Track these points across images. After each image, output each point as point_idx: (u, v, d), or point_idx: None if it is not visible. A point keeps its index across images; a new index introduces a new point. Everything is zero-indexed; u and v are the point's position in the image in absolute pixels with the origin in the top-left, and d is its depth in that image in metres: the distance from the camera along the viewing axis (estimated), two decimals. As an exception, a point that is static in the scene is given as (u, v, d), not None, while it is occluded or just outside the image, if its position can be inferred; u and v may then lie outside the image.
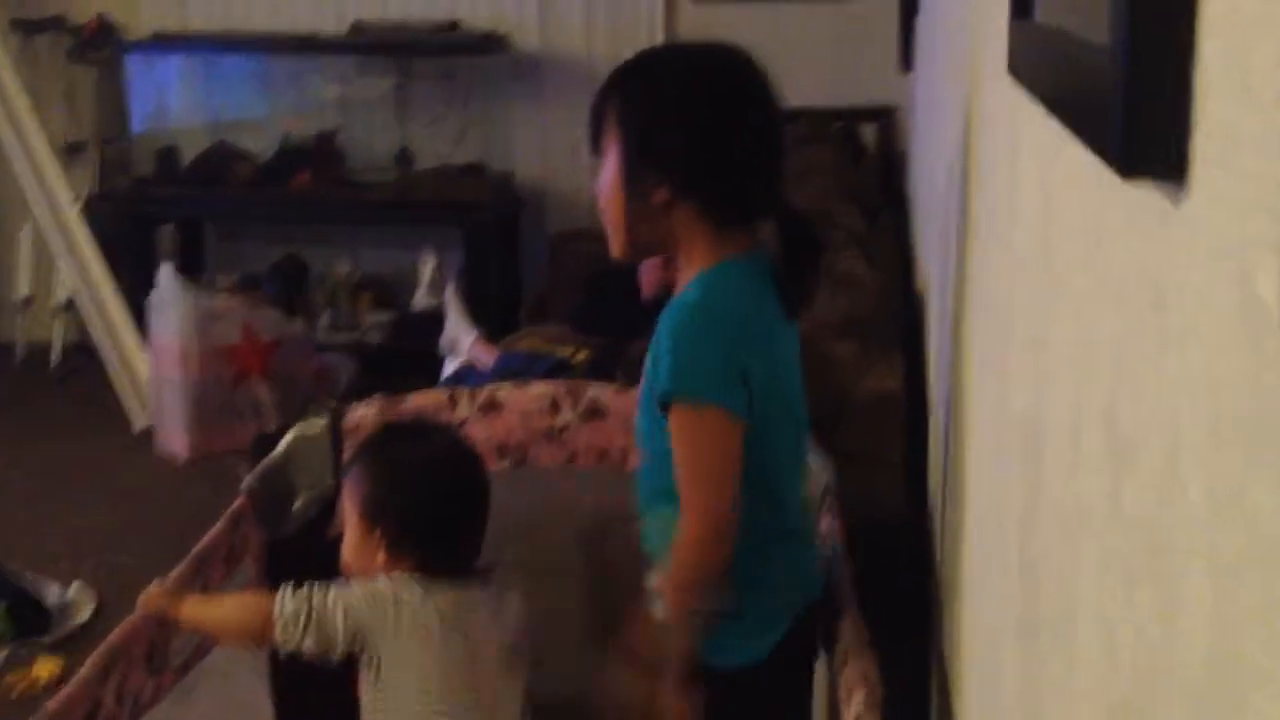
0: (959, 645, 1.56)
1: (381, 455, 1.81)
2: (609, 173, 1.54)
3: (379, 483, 1.77)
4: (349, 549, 1.80)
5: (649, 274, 2.87)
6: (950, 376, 1.79)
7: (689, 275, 1.54)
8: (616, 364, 2.83)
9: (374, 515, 1.76)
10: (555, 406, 2.10)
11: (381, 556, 1.76)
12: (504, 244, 4.82)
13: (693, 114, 1.52)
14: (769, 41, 4.60)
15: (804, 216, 1.59)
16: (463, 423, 2.11)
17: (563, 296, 4.08)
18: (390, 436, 1.87)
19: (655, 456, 1.56)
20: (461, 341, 3.49)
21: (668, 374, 1.48)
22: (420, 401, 2.14)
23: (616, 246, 1.59)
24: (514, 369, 3.14)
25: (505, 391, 2.13)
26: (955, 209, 1.77)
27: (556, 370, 3.09)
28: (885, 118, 4.64)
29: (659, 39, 4.70)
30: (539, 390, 2.12)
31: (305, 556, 2.07)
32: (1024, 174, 1.12)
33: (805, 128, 4.34)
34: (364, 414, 2.12)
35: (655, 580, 1.59)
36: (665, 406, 1.48)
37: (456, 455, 1.84)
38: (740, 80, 1.52)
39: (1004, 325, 1.22)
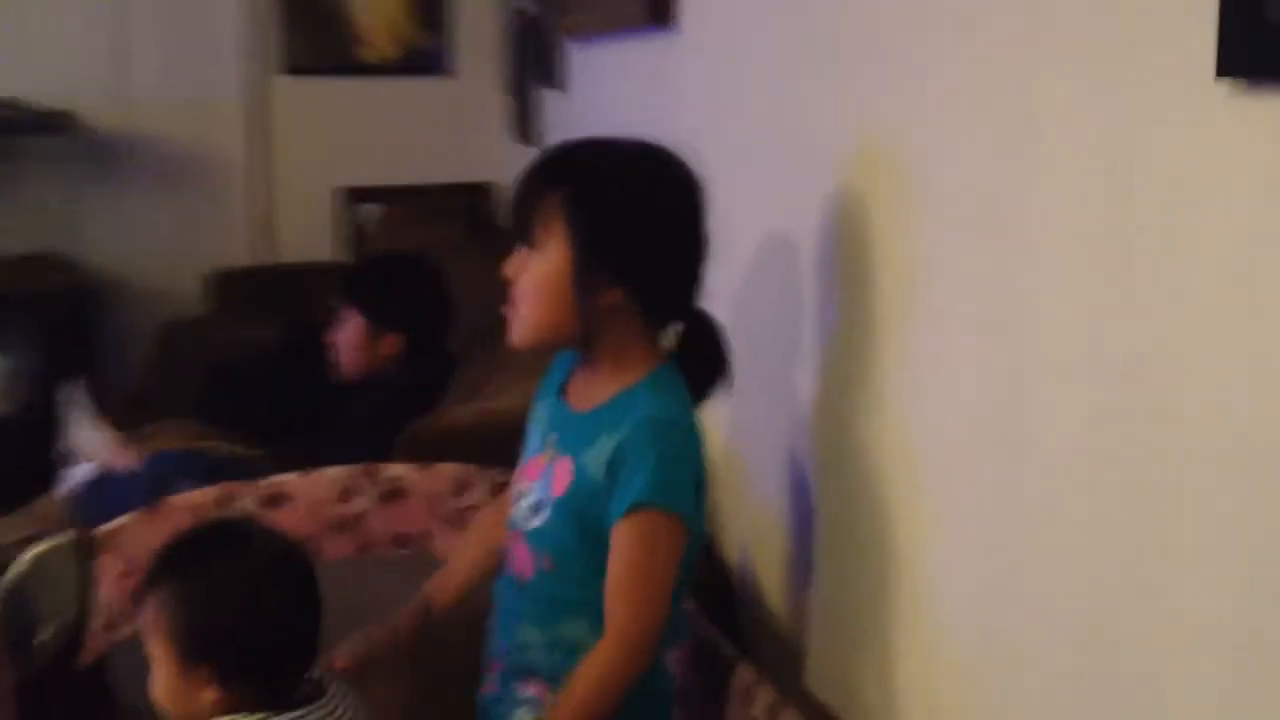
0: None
1: (196, 575, 1.51)
2: (547, 266, 1.45)
3: (200, 610, 1.48)
4: (164, 692, 1.51)
5: (354, 356, 2.70)
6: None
7: (617, 381, 1.48)
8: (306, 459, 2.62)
9: (197, 651, 1.47)
10: (347, 493, 1.90)
11: (210, 695, 1.48)
12: (82, 338, 4.38)
13: (659, 220, 1.47)
14: (367, 116, 4.54)
15: (711, 317, 1.54)
16: (360, 516, 1.88)
17: (178, 389, 3.76)
18: (199, 548, 1.54)
19: (564, 566, 1.47)
20: (98, 444, 3.11)
21: (648, 485, 1.40)
22: (191, 500, 1.88)
23: (527, 336, 1.49)
24: (172, 469, 2.84)
25: (292, 481, 1.91)
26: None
27: (227, 466, 2.82)
28: (485, 192, 4.62)
29: (246, 114, 4.46)
30: (331, 475, 1.92)
31: (62, 698, 1.77)
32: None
33: (426, 205, 4.25)
34: (123, 524, 1.84)
35: (534, 694, 1.48)
36: (623, 516, 1.39)
37: (285, 557, 1.56)
38: (693, 183, 1.47)
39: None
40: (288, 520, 1.89)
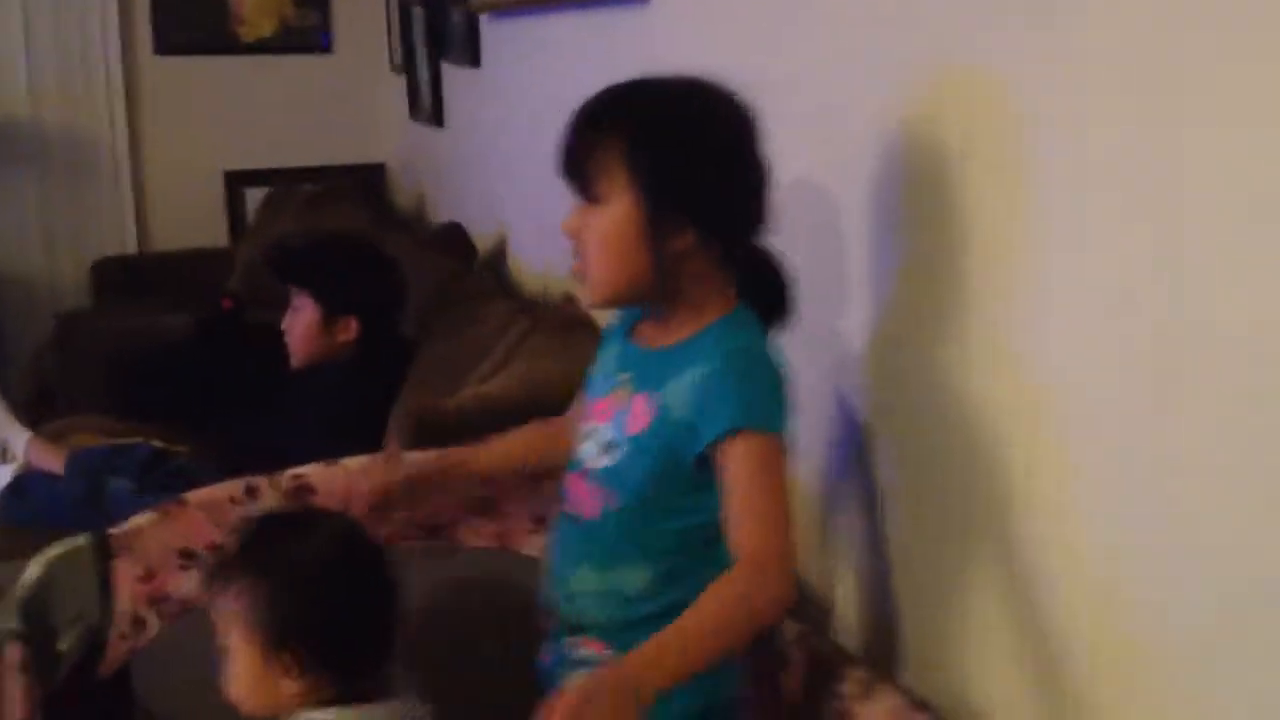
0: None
1: (280, 561, 1.48)
2: (614, 219, 1.39)
3: (286, 596, 1.45)
4: (243, 685, 1.47)
5: (308, 344, 2.62)
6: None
7: (694, 322, 1.43)
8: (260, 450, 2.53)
9: (282, 639, 1.44)
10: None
11: (293, 686, 1.45)
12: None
13: (722, 153, 1.41)
14: (249, 97, 4.39)
15: (773, 251, 1.51)
16: None
17: (78, 383, 3.60)
18: (272, 535, 1.52)
19: (632, 506, 1.42)
20: (13, 444, 2.96)
21: (744, 409, 1.35)
22: (209, 496, 1.80)
23: (605, 294, 1.43)
24: (101, 467, 2.73)
25: (315, 473, 1.84)
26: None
27: (158, 462, 2.72)
28: (380, 173, 4.53)
29: (120, 96, 4.28)
30: (355, 465, 1.86)
31: (84, 709, 1.69)
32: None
33: (320, 188, 4.14)
34: (140, 524, 1.76)
35: (591, 651, 1.45)
36: (725, 442, 1.35)
37: (357, 542, 1.54)
38: (748, 112, 1.43)
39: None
40: (315, 513, 1.83)
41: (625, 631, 1.42)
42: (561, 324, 2.37)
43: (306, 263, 2.68)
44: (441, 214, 3.99)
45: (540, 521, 1.82)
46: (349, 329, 2.61)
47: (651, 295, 1.43)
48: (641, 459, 1.42)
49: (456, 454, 1.73)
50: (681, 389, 1.39)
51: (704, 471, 1.39)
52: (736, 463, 1.35)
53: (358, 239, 2.91)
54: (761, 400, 1.36)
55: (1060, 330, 1.31)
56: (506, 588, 1.83)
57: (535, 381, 2.13)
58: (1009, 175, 1.36)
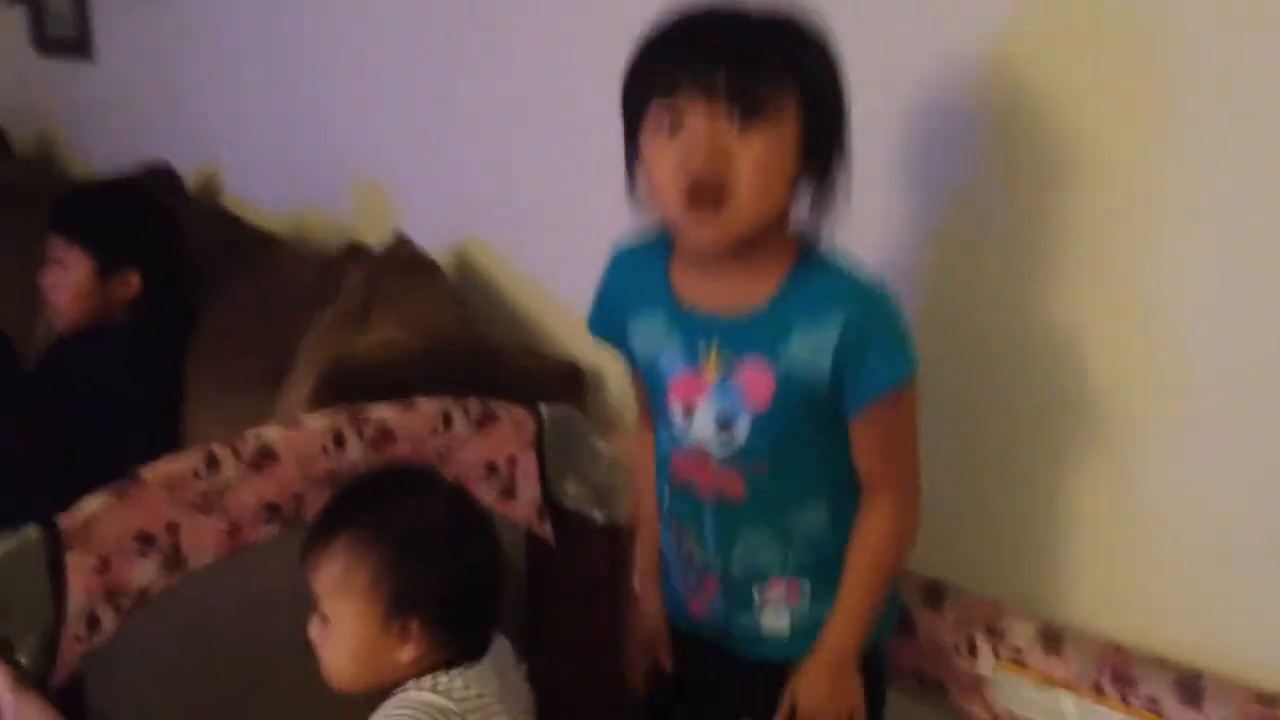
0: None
1: (394, 524, 1.37)
2: (782, 146, 1.26)
3: (407, 560, 1.35)
4: (353, 658, 1.36)
5: (81, 302, 2.32)
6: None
7: (767, 269, 1.35)
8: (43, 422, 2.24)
9: (408, 603, 1.34)
10: (340, 440, 1.69)
11: (410, 654, 1.36)
12: None
13: (845, 86, 1.32)
14: None
15: None
16: (226, 487, 1.62)
17: None
18: (384, 497, 1.41)
19: (787, 466, 1.38)
20: None
21: (891, 366, 1.32)
22: (169, 472, 1.59)
23: (743, 227, 1.28)
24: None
25: (273, 435, 1.65)
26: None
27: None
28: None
29: None
30: (319, 425, 1.69)
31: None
32: None
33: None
34: (92, 511, 1.52)
35: (780, 592, 1.44)
36: (867, 404, 1.33)
37: (466, 500, 1.48)
38: None
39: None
40: (278, 480, 1.64)
41: (816, 569, 1.42)
42: (407, 266, 2.24)
43: (67, 211, 2.37)
44: (83, 159, 3.61)
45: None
46: (129, 283, 2.34)
47: (767, 230, 1.31)
48: (779, 427, 1.36)
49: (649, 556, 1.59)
50: (807, 349, 1.32)
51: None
52: (876, 419, 1.34)
53: (124, 183, 2.60)
54: (904, 349, 1.33)
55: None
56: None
57: (427, 326, 2.02)
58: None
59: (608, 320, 1.49)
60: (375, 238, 2.38)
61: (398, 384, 1.88)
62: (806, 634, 1.44)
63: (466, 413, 1.78)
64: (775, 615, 1.44)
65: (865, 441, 1.37)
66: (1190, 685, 1.32)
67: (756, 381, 1.36)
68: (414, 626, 1.34)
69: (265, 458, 1.64)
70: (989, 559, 1.55)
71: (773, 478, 1.39)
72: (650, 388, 1.46)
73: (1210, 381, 1.36)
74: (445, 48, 2.33)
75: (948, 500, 1.49)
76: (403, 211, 2.49)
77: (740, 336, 1.36)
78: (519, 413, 1.83)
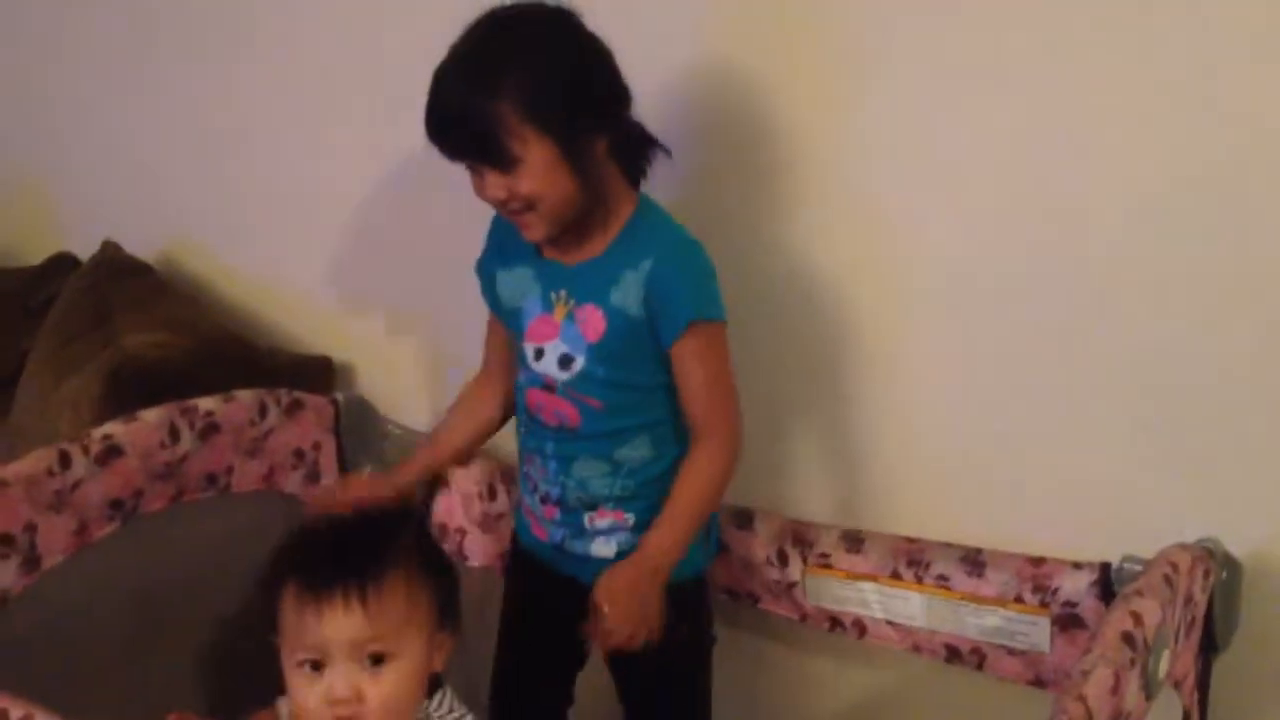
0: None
1: (423, 549, 1.49)
2: (540, 166, 1.49)
3: (440, 576, 1.48)
4: (419, 682, 1.43)
5: None
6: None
7: (609, 223, 1.58)
8: None
9: (450, 617, 1.47)
10: (175, 434, 1.73)
11: (440, 664, 1.47)
12: None
13: (586, 54, 1.52)
14: None
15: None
16: (76, 485, 1.63)
17: None
18: (386, 531, 1.47)
19: (614, 401, 1.60)
20: None
21: (696, 301, 1.56)
22: (25, 471, 1.58)
23: (553, 228, 1.55)
24: None
25: (118, 431, 1.67)
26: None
27: None
28: None
29: None
30: (155, 418, 1.72)
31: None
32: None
33: None
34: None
35: (612, 520, 1.64)
36: (684, 333, 1.55)
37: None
38: (570, 7, 1.54)
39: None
40: (120, 475, 1.67)
41: (638, 498, 1.63)
42: (123, 271, 2.25)
43: None
44: None
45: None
46: None
47: (586, 207, 1.55)
48: (607, 362, 1.59)
49: (423, 463, 1.83)
50: (628, 291, 1.56)
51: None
52: (692, 350, 1.57)
53: None
54: (706, 289, 1.58)
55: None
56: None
57: (185, 326, 2.08)
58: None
59: (484, 274, 1.70)
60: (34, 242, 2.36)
61: (178, 382, 1.93)
62: None
63: (278, 402, 1.87)
64: (604, 543, 1.65)
65: (686, 378, 1.59)
66: (973, 559, 1.66)
67: (592, 321, 1.59)
68: (448, 637, 1.46)
69: (112, 454, 1.68)
70: (786, 489, 1.85)
71: (604, 411, 1.61)
72: (513, 332, 1.67)
73: (941, 297, 1.67)
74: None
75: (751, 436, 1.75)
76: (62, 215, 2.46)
77: (580, 283, 1.59)
78: (320, 401, 1.94)
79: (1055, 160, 1.56)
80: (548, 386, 1.62)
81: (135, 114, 2.37)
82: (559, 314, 1.61)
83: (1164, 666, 1.36)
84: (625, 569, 1.56)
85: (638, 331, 1.57)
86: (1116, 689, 1.25)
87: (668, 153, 1.61)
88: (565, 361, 1.60)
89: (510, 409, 1.74)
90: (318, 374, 2.17)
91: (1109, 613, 1.35)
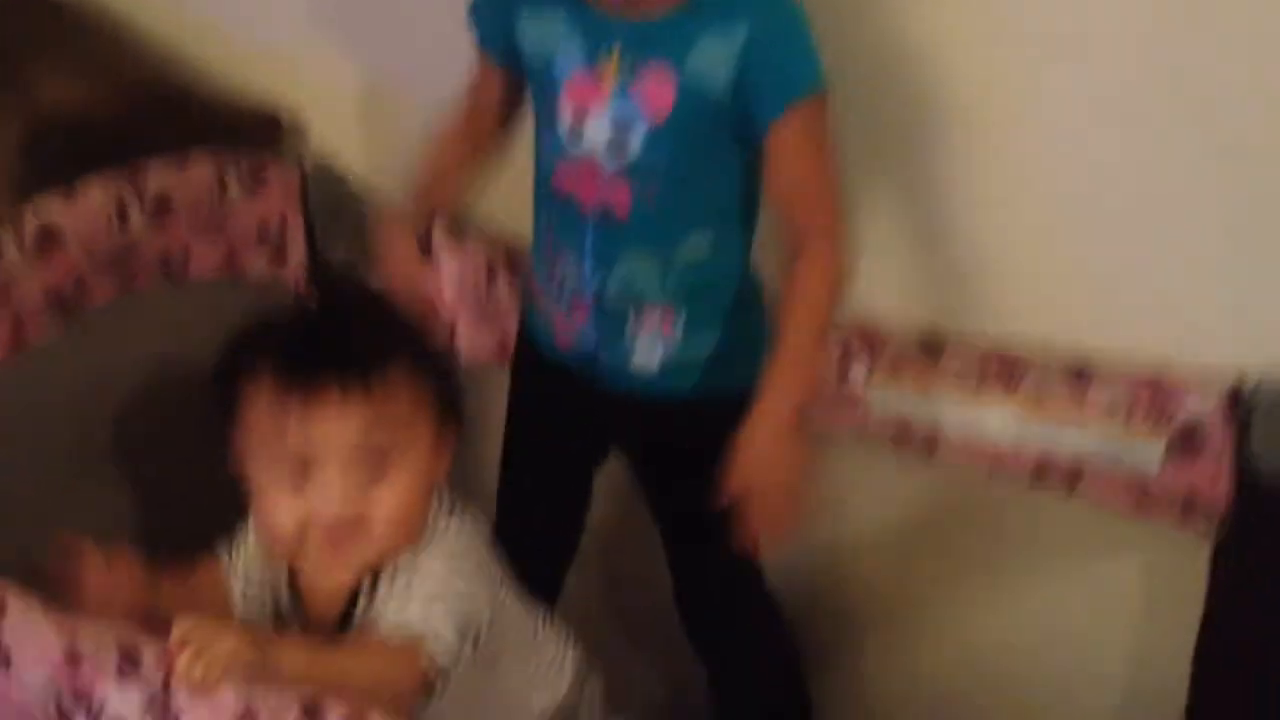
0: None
1: (423, 338, 1.28)
2: None
3: (440, 365, 1.26)
4: (425, 492, 1.22)
5: None
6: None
7: None
8: None
9: (453, 411, 1.25)
10: (123, 212, 1.41)
11: (445, 466, 1.26)
12: None
13: None
14: None
15: None
16: (7, 285, 1.32)
17: None
18: (373, 319, 1.25)
19: (678, 188, 1.34)
20: None
21: (812, 72, 1.29)
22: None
23: None
24: None
25: (56, 211, 1.35)
26: None
27: None
28: None
29: None
30: (98, 196, 1.39)
31: None
32: None
33: None
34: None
35: (656, 324, 1.40)
36: (793, 111, 1.29)
37: None
38: None
39: None
40: (60, 266, 1.35)
41: (693, 299, 1.39)
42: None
43: None
44: None
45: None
46: None
47: None
48: (678, 140, 1.31)
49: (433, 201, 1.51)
50: (713, 62, 1.29)
51: (750, 136, 1.33)
52: (796, 136, 1.31)
53: None
54: (809, 60, 1.30)
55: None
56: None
57: (107, 73, 1.74)
58: None
59: (492, 16, 1.39)
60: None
61: (105, 143, 1.62)
62: (674, 372, 1.42)
63: (239, 173, 1.56)
64: (647, 348, 1.41)
65: (785, 171, 1.33)
66: (1078, 372, 1.45)
67: (658, 91, 1.30)
68: (451, 434, 1.24)
69: (48, 241, 1.36)
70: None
71: (661, 199, 1.34)
72: (538, 91, 1.38)
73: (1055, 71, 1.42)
74: None
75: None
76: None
77: (646, 41, 1.30)
78: (286, 169, 1.63)
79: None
80: (590, 166, 1.33)
81: None
82: (608, 77, 1.31)
83: None
84: (762, 438, 1.30)
85: (717, 111, 1.30)
86: None
87: None
88: (615, 139, 1.32)
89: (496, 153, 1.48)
90: (263, 134, 1.83)
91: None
